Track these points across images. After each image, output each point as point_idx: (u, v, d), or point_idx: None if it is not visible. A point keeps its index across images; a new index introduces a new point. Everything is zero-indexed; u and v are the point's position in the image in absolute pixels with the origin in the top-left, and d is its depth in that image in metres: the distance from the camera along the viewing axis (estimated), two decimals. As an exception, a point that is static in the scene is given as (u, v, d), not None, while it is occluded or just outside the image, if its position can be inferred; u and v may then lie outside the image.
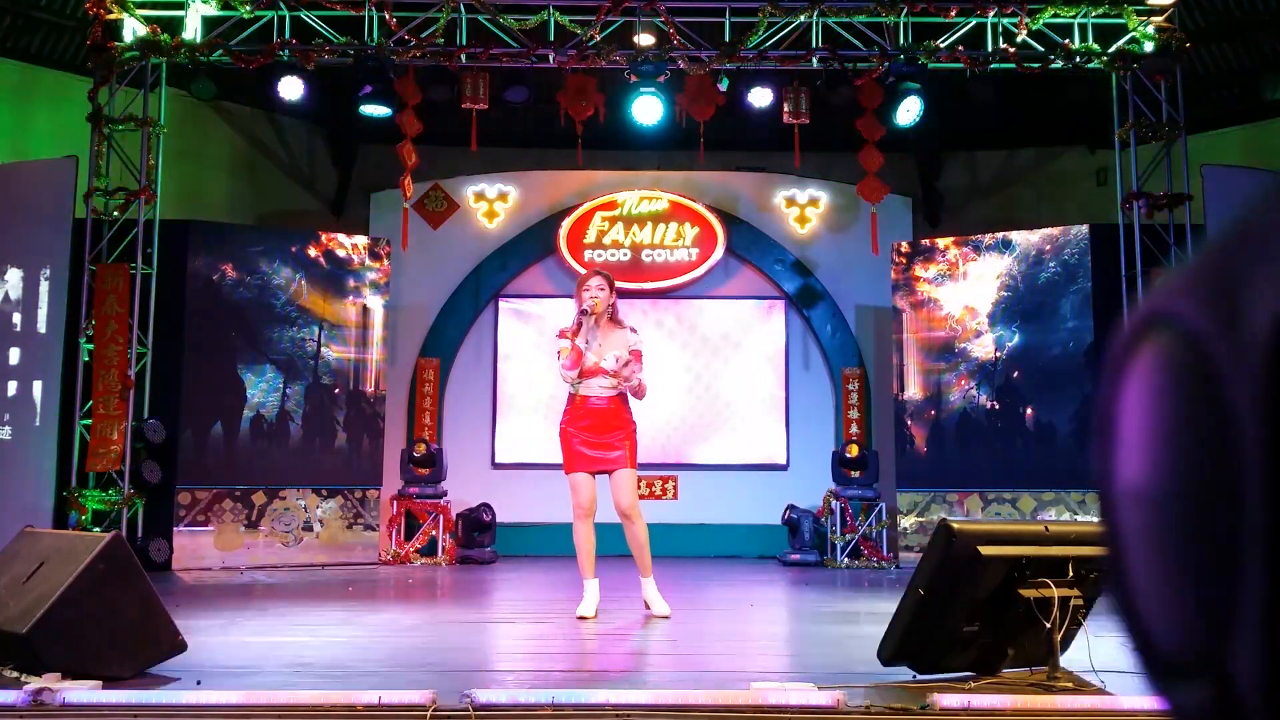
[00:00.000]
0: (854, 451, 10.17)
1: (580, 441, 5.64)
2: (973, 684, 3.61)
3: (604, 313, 5.68)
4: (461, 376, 11.12)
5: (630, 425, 5.73)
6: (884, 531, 10.07)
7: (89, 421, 8.65)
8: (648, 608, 5.77)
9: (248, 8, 8.78)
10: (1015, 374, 9.75)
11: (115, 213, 8.94)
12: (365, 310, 10.08)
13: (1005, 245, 9.89)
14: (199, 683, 3.68)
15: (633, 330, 5.79)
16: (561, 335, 5.74)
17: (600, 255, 11.01)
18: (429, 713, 3.23)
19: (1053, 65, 8.95)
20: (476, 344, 11.18)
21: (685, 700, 3.36)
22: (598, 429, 5.64)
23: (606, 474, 5.68)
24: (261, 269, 9.65)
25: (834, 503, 10.07)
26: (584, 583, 5.76)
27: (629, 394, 5.75)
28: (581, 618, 5.59)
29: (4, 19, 9.56)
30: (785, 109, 9.40)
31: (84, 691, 3.40)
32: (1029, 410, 9.65)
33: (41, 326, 8.83)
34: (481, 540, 9.95)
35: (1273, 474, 0.40)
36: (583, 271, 10.90)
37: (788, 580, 8.62)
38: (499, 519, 10.14)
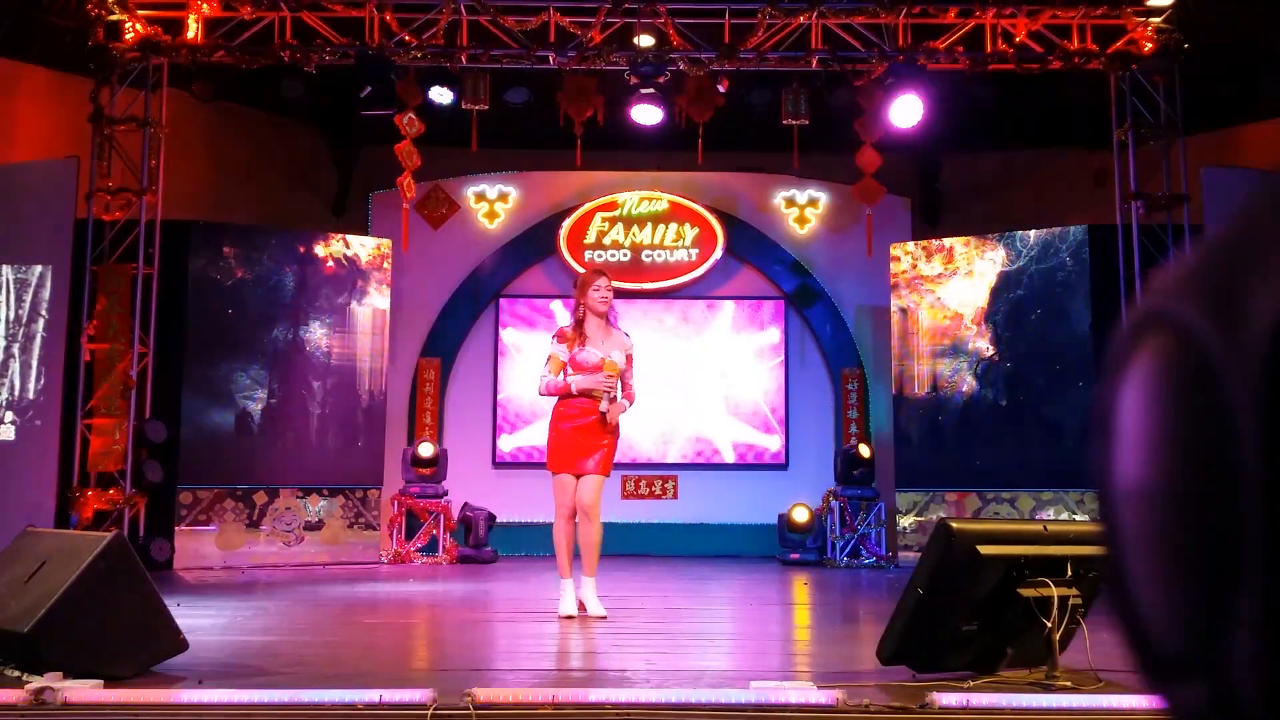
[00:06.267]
0: (865, 451, 10.20)
1: (569, 441, 5.66)
2: (972, 683, 3.62)
3: (606, 314, 5.78)
4: (462, 376, 11.13)
5: (617, 432, 5.77)
6: (883, 531, 10.07)
7: (91, 421, 8.65)
8: (583, 609, 5.69)
9: (249, 9, 8.78)
10: (1013, 374, 9.75)
11: (117, 213, 8.94)
12: (366, 311, 10.08)
13: (1003, 246, 9.90)
14: (200, 682, 3.69)
15: (626, 334, 5.90)
16: (561, 338, 5.76)
17: (600, 256, 11.01)
18: (429, 712, 3.23)
19: (1051, 66, 8.95)
20: (477, 344, 11.19)
21: (685, 700, 3.37)
22: (588, 429, 5.65)
23: (577, 475, 5.68)
24: (263, 269, 9.65)
25: (833, 502, 10.08)
26: (561, 582, 5.74)
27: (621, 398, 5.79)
28: (567, 616, 5.60)
29: (5, 19, 9.56)
30: (784, 110, 9.40)
31: (85, 690, 3.41)
32: (1027, 410, 9.65)
33: (43, 327, 8.84)
34: (482, 540, 9.95)
35: (1271, 474, 0.40)
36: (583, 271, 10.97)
37: (788, 580, 8.63)
38: (499, 519, 10.15)
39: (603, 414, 5.62)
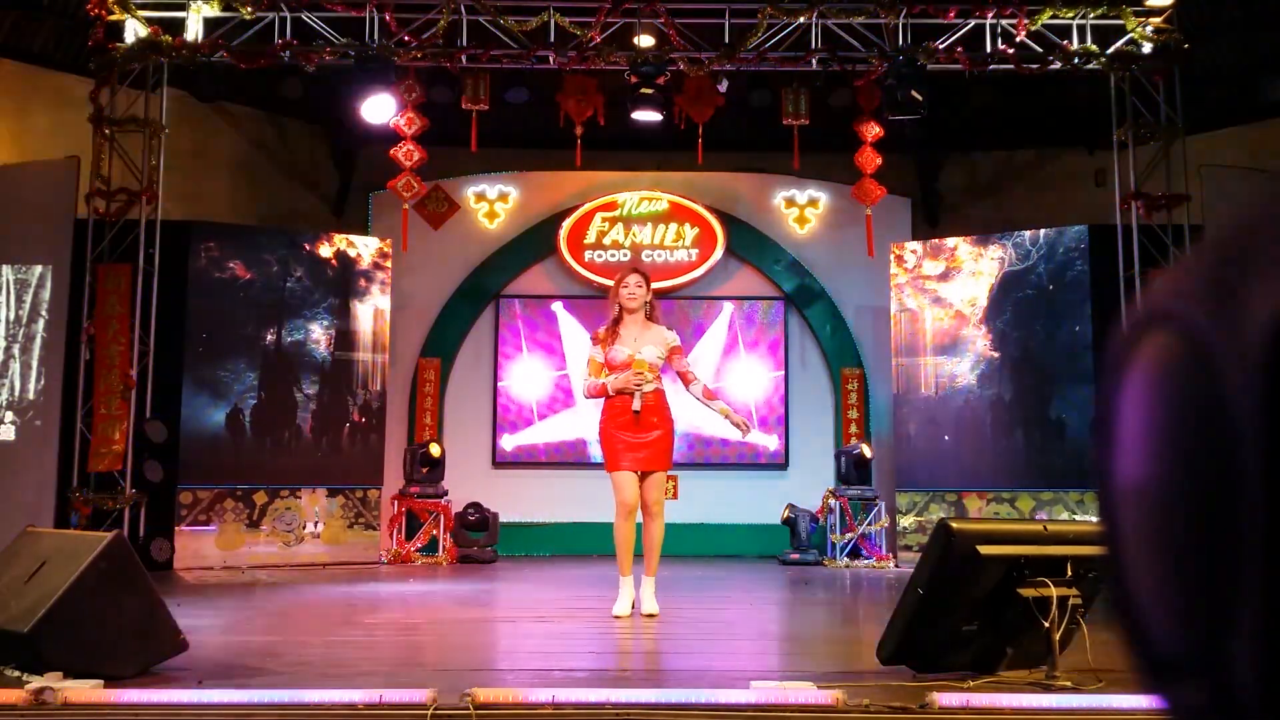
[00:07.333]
0: (866, 451, 10.22)
1: (620, 441, 5.64)
2: (972, 683, 3.62)
3: (640, 310, 5.78)
4: (462, 376, 11.13)
5: (669, 422, 5.75)
6: (883, 531, 10.07)
7: (91, 421, 8.65)
8: (636, 606, 5.71)
9: (249, 9, 8.78)
10: (1013, 374, 9.75)
11: (117, 213, 8.94)
12: (366, 310, 10.08)
13: (1004, 246, 9.90)
14: (200, 682, 3.69)
15: (668, 329, 5.96)
16: (595, 340, 5.79)
17: (600, 256, 11.02)
18: (429, 712, 3.23)
19: (1051, 66, 8.95)
20: (477, 344, 11.19)
21: (685, 700, 3.36)
22: (629, 426, 5.64)
23: (640, 472, 5.67)
24: (263, 269, 9.65)
25: (833, 502, 10.08)
26: (620, 580, 5.72)
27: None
28: (617, 617, 5.59)
29: (6, 20, 9.56)
30: (784, 110, 9.40)
31: (85, 690, 3.41)
32: (1027, 410, 9.66)
33: (43, 327, 8.84)
34: (482, 540, 9.95)
35: (1272, 474, 0.40)
36: (584, 272, 11.00)
37: (788, 580, 8.63)
38: (500, 519, 10.15)
39: (635, 412, 5.61)
